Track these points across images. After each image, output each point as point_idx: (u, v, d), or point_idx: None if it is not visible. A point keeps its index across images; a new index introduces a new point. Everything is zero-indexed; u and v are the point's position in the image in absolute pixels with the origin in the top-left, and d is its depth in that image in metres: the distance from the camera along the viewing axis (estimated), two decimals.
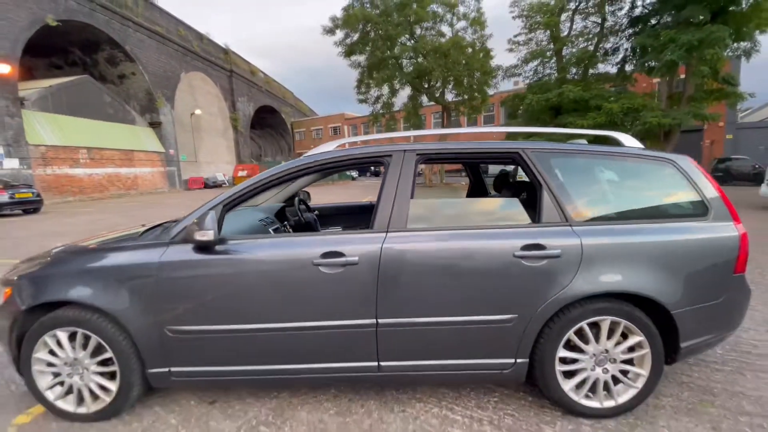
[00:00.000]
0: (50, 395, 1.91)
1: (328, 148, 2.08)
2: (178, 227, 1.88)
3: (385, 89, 21.69)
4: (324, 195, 14.97)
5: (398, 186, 1.89)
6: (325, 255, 1.78)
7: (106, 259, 1.90)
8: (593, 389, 1.85)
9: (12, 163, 14.48)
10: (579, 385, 1.86)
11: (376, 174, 33.74)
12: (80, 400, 1.92)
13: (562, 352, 1.82)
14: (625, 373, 1.85)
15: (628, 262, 1.78)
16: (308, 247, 1.83)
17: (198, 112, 28.73)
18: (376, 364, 1.85)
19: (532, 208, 1.92)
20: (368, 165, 2.14)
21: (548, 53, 19.76)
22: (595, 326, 1.82)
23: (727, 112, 22.70)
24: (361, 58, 21.18)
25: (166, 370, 1.87)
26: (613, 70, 18.28)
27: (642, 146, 2.06)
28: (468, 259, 1.81)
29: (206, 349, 1.86)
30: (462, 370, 1.87)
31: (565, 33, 19.27)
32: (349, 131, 48.10)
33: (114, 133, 20.51)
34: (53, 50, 20.50)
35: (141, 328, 1.82)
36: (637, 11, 16.21)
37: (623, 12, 16.94)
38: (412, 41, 21.08)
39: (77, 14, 17.85)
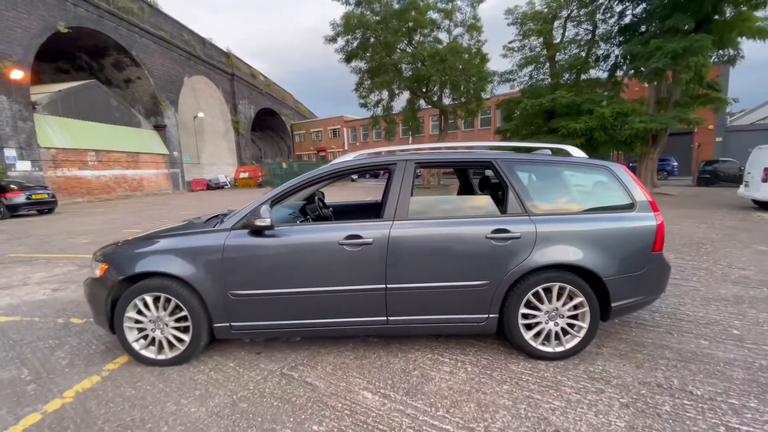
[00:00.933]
0: (136, 346, 2.52)
1: (349, 157, 2.71)
2: (237, 217, 2.49)
3: (385, 93, 22.36)
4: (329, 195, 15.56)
5: (402, 186, 2.52)
6: (348, 237, 2.41)
7: (184, 241, 2.52)
8: (547, 338, 2.47)
9: (24, 166, 15.04)
10: (537, 335, 2.48)
11: (375, 176, 34.29)
12: (160, 349, 2.53)
13: (523, 310, 2.44)
14: (571, 326, 2.47)
15: (570, 243, 2.41)
16: (335, 231, 2.46)
17: (201, 115, 29.31)
18: (385, 318, 2.47)
19: (503, 203, 2.56)
20: (379, 171, 2.74)
21: (541, 59, 20.47)
22: (548, 290, 2.44)
23: (717, 116, 23.42)
24: (361, 63, 21.86)
25: (227, 324, 2.48)
26: (605, 75, 18.97)
27: (586, 156, 2.70)
28: (453, 240, 2.44)
29: (258, 307, 2.47)
30: (450, 323, 2.49)
31: (558, 40, 19.99)
32: (348, 134, 48.73)
33: (120, 136, 21.07)
34: (61, 55, 21.07)
35: (209, 293, 2.43)
36: (627, 20, 16.91)
37: (613, 20, 17.63)
38: (411, 47, 21.78)
39: (86, 21, 18.45)
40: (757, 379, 2.19)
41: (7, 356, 2.72)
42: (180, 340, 2.52)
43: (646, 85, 18.83)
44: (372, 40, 21.19)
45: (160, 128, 24.85)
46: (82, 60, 22.15)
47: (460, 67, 21.73)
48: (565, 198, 2.62)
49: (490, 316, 2.45)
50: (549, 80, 20.71)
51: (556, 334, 2.47)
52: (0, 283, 4.63)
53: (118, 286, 2.49)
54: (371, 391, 2.19)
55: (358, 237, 2.40)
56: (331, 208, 4.05)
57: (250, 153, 40.24)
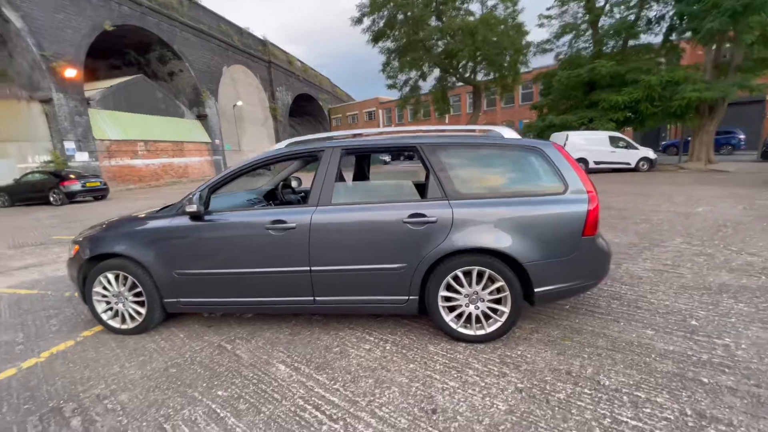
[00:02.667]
0: (104, 317, 2.89)
1: (281, 146, 2.82)
2: (179, 204, 2.73)
3: (413, 73, 21.92)
4: None
5: (326, 173, 2.60)
6: (274, 222, 2.55)
7: (138, 226, 2.80)
8: (468, 321, 2.49)
9: (83, 157, 16.78)
10: (458, 317, 2.50)
11: (410, 158, 33.83)
12: (123, 320, 2.87)
13: (444, 292, 2.46)
14: (493, 309, 2.46)
15: (488, 227, 2.37)
16: (262, 217, 2.61)
17: (240, 103, 30.59)
18: (312, 298, 2.61)
19: (425, 188, 2.55)
20: (307, 159, 2.82)
21: (582, 26, 18.88)
22: (469, 274, 2.44)
23: None
24: (388, 43, 21.50)
25: (176, 300, 2.76)
26: (658, 40, 17.10)
27: (519, 137, 2.59)
28: (372, 224, 2.50)
29: (199, 286, 2.72)
30: (373, 303, 2.57)
31: (602, 2, 18.27)
32: (383, 115, 48.50)
33: (166, 127, 22.68)
34: (112, 53, 22.87)
35: (158, 272, 2.71)
36: None
37: None
38: (439, 22, 20.99)
39: (130, 18, 19.79)
40: (685, 374, 2.07)
41: (13, 323, 3.23)
42: (138, 313, 2.84)
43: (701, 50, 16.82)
44: (400, 17, 20.70)
45: (202, 118, 26.34)
46: (130, 56, 23.88)
47: (494, 39, 20.60)
48: (490, 181, 2.56)
49: (410, 297, 2.50)
50: (591, 49, 19.09)
51: (477, 317, 2.47)
52: (35, 261, 5.37)
53: (87, 264, 2.85)
54: (286, 364, 2.36)
55: (283, 222, 2.54)
56: (302, 194, 4.21)
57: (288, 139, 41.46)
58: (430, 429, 1.75)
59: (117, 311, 2.87)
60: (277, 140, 38.38)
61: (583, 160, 14.97)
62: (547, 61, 23.41)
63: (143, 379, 2.28)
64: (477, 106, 24.13)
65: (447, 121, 42.75)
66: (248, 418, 1.89)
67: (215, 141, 27.33)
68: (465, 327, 2.49)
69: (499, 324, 2.45)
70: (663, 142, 26.00)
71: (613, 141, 15.02)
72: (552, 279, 2.41)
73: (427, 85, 23.28)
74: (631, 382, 2.01)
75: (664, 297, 3.07)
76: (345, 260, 2.52)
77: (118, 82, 20.29)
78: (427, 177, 2.62)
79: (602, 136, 15.14)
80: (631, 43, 17.79)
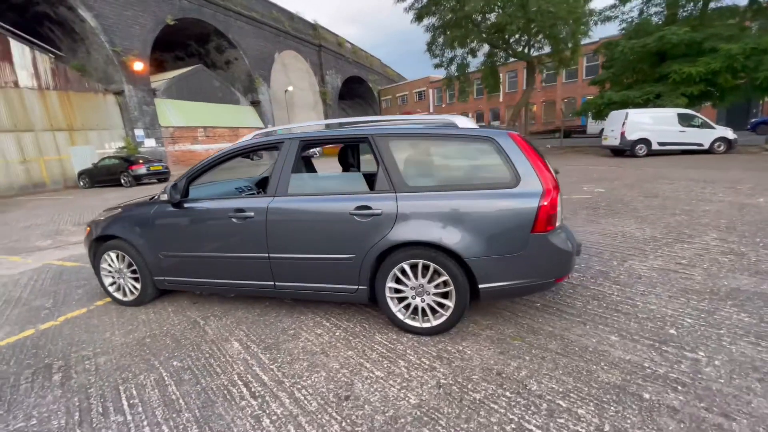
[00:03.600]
0: (110, 289, 3.32)
1: (249, 137, 2.96)
2: (160, 193, 3.01)
3: (459, 50, 20.94)
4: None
5: (284, 164, 2.69)
6: (236, 210, 2.72)
7: (132, 212, 3.15)
8: (415, 312, 2.49)
9: (150, 142, 18.66)
10: (406, 308, 2.51)
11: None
12: (124, 293, 3.28)
13: (391, 284, 2.48)
14: (439, 303, 2.43)
15: (431, 220, 2.32)
16: (226, 205, 2.79)
17: (290, 88, 31.67)
18: (272, 283, 2.77)
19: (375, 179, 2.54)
20: (270, 150, 2.93)
21: None
22: (416, 266, 2.42)
23: None
24: (433, 20, 20.68)
25: (162, 278, 3.09)
26: (744, 1, 14.62)
27: (475, 126, 2.45)
28: (322, 215, 2.56)
29: (179, 266, 3.01)
30: (326, 291, 2.66)
31: None
32: (433, 95, 47.30)
33: (223, 113, 24.29)
34: (176, 45, 24.77)
35: (147, 253, 3.04)
36: None
37: None
38: None
39: (190, 11, 21.19)
40: (627, 387, 1.90)
41: (49, 290, 3.82)
42: (136, 288, 3.22)
43: None
44: None
45: (255, 104, 27.75)
46: (192, 47, 25.67)
47: (550, 10, 18.88)
48: (438, 173, 2.48)
49: (360, 287, 2.55)
50: (664, 14, 16.82)
51: (423, 309, 2.46)
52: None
53: (95, 243, 3.28)
54: (241, 342, 2.56)
55: (243, 210, 2.70)
56: None
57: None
58: (334, 414, 1.83)
59: (119, 285, 3.28)
60: None
61: (644, 141, 13.50)
62: (610, 30, 21.08)
63: (123, 345, 2.62)
64: (530, 82, 22.49)
65: (501, 99, 40.62)
66: (186, 387, 2.11)
67: (267, 126, 28.70)
68: (412, 319, 2.50)
69: (444, 318, 2.42)
70: (753, 120, 22.42)
71: (683, 119, 13.28)
72: (498, 276, 2.31)
73: (476, 62, 22.16)
74: (561, 390, 1.90)
75: (654, 300, 2.78)
76: (299, 249, 2.63)
77: (180, 73, 22.02)
78: (377, 169, 2.60)
79: (669, 113, 13.45)
80: (711, 5, 15.34)
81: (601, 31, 18.82)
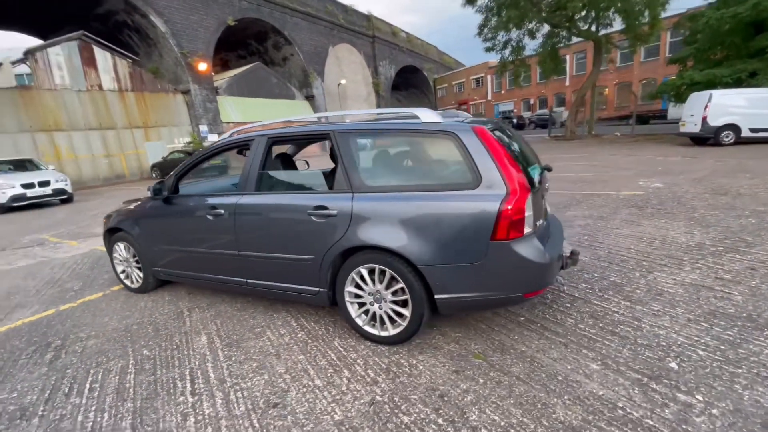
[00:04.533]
0: (122, 276, 3.62)
1: (225, 135, 2.99)
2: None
3: (514, 32, 19.54)
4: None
5: (252, 161, 2.68)
6: (210, 207, 2.78)
7: (131, 206, 3.39)
8: (373, 320, 2.35)
9: (213, 137, 20.18)
10: (366, 314, 2.38)
11: (542, 126, 29.79)
12: (132, 281, 3.56)
13: (350, 288, 2.37)
14: (396, 312, 2.27)
15: (384, 222, 2.16)
16: (203, 203, 2.87)
17: (343, 81, 32.17)
18: (245, 280, 2.80)
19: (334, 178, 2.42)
20: (243, 148, 2.92)
21: None
22: (373, 272, 2.28)
23: None
24: (486, 1, 19.49)
25: (158, 269, 3.29)
26: None
27: (439, 120, 2.21)
28: (284, 214, 2.52)
29: (169, 259, 3.18)
30: (293, 292, 2.62)
31: None
32: (492, 81, 45.09)
33: (278, 109, 25.44)
34: (238, 44, 26.36)
35: (144, 244, 3.26)
36: None
37: None
38: None
39: (248, 12, 22.37)
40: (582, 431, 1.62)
41: (83, 274, 4.29)
42: (140, 277, 3.48)
43: None
44: None
45: (310, 99, 28.64)
46: (252, 46, 27.14)
47: None
48: (397, 172, 2.29)
49: (321, 290, 2.48)
50: None
51: (381, 317, 2.32)
52: None
53: (107, 235, 3.59)
54: (209, 336, 2.64)
55: (215, 208, 2.75)
56: None
57: None
58: (254, 422, 1.79)
59: (128, 273, 3.56)
60: None
61: (732, 127, 11.55)
62: (695, 1, 18.15)
63: (112, 330, 2.84)
64: (596, 63, 20.26)
65: (567, 83, 37.39)
66: (142, 377, 2.22)
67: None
68: (372, 326, 2.37)
69: (401, 328, 2.26)
70: None
71: None
72: (455, 287, 2.09)
73: (534, 44, 20.52)
74: (502, 424, 1.67)
75: (667, 324, 2.34)
76: (264, 247, 2.62)
77: (240, 71, 23.43)
78: (336, 167, 2.48)
79: (766, 94, 11.33)
80: None
81: (687, 1, 16.04)
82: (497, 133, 2.21)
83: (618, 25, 18.47)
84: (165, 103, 18.40)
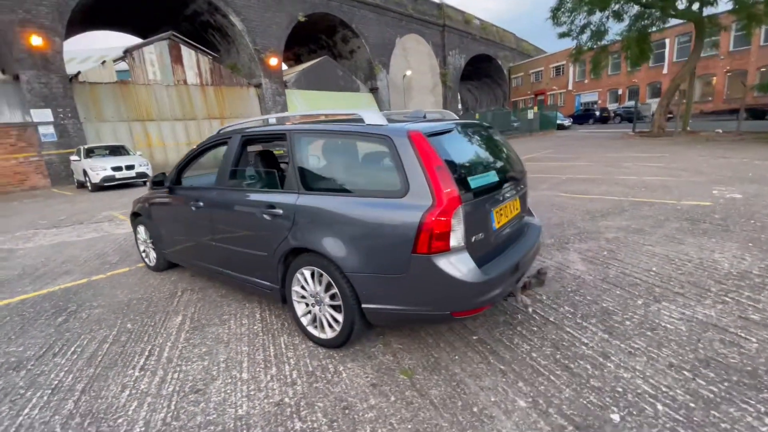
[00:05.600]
0: (142, 255, 4.10)
1: (214, 134, 3.18)
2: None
3: (595, 15, 17.53)
4: None
5: (226, 157, 2.84)
6: (194, 200, 3.02)
7: (147, 194, 3.81)
8: (315, 321, 2.37)
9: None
10: (309, 314, 2.41)
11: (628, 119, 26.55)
12: (149, 260, 4.01)
13: (296, 287, 2.41)
14: (332, 316, 2.26)
15: (320, 225, 2.16)
16: (190, 194, 3.11)
17: (408, 73, 31.96)
18: (221, 269, 3.00)
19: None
20: (222, 146, 3.06)
21: None
22: (314, 274, 2.29)
23: None
24: None
25: (165, 251, 3.67)
26: None
27: (383, 123, 2.10)
28: (245, 209, 2.64)
29: (169, 242, 3.52)
30: (254, 285, 2.75)
31: None
32: (575, 69, 41.26)
33: (342, 101, 26.19)
34: (309, 39, 27.58)
35: (155, 229, 3.66)
36: None
37: None
38: None
39: (318, 6, 23.22)
40: None
41: (126, 250, 4.93)
42: (154, 257, 3.92)
43: None
44: None
45: (374, 91, 29.01)
46: (322, 40, 28.19)
47: None
48: (338, 174, 2.26)
49: (275, 286, 2.56)
50: None
51: (320, 319, 2.33)
52: None
53: (132, 218, 4.09)
54: (184, 318, 2.89)
55: (197, 200, 2.97)
56: None
57: (458, 105, 40.83)
58: (172, 403, 1.94)
59: (147, 253, 4.03)
60: (444, 107, 38.52)
61: None
62: None
63: (117, 303, 3.25)
64: (697, 48, 17.39)
65: (665, 70, 32.71)
66: (113, 348, 2.52)
67: (383, 111, 29.81)
68: (314, 327, 2.40)
69: (335, 333, 2.25)
70: None
71: None
72: (382, 297, 2.01)
73: (618, 27, 18.26)
74: None
75: (638, 366, 2.00)
76: (231, 240, 2.78)
77: (308, 65, 24.53)
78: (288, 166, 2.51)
79: None
80: None
81: None
82: (443, 137, 2.06)
83: (725, 3, 15.59)
84: (239, 96, 20.04)
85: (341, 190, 2.20)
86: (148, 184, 3.46)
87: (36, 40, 12.43)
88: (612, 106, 35.72)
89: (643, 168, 8.64)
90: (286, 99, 21.92)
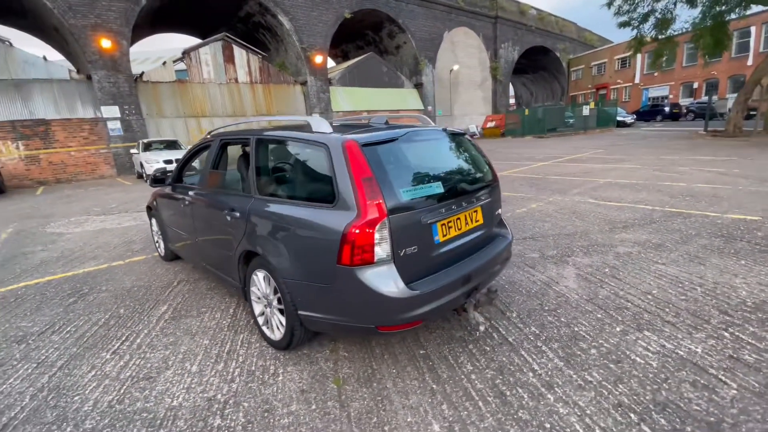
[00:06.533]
0: (156, 245, 4.47)
1: (204, 136, 3.36)
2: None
3: (661, 2, 15.82)
4: None
5: (208, 159, 3.00)
6: (183, 198, 3.23)
7: (156, 190, 4.13)
8: (267, 322, 2.45)
9: None
10: (263, 315, 2.50)
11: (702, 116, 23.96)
12: (161, 250, 4.36)
13: (254, 288, 2.51)
14: (279, 319, 2.32)
15: (263, 230, 2.23)
16: (182, 192, 3.32)
17: (456, 67, 31.18)
18: (204, 264, 3.20)
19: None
20: (204, 150, 3.20)
21: None
22: (266, 276, 2.37)
23: None
24: None
25: (169, 243, 3.97)
26: None
27: (326, 131, 2.10)
28: (215, 209, 2.78)
29: (171, 235, 3.80)
30: (229, 283, 2.89)
31: None
32: (642, 61, 37.69)
33: (385, 97, 26.27)
34: (356, 36, 27.92)
35: (161, 222, 3.97)
36: None
37: None
38: None
39: (364, 3, 23.40)
40: None
41: (147, 239, 5.39)
42: (161, 249, 4.26)
43: None
44: None
45: (418, 86, 28.73)
46: (369, 36, 28.39)
47: None
48: (285, 180, 2.33)
49: (239, 285, 2.68)
50: None
51: (271, 321, 2.40)
52: None
53: (148, 210, 4.46)
54: (168, 308, 3.12)
55: (184, 198, 3.18)
56: None
57: (507, 100, 39.09)
58: (124, 387, 2.12)
59: (159, 243, 4.39)
60: (494, 103, 37.13)
61: None
62: None
63: (122, 289, 3.59)
64: None
65: (750, 61, 28.75)
66: (101, 330, 2.80)
67: (428, 108, 29.41)
68: (267, 327, 2.48)
69: (281, 335, 2.31)
70: None
71: None
72: (313, 305, 2.04)
73: (687, 14, 16.30)
74: None
75: (582, 402, 1.84)
76: (209, 238, 2.94)
77: (354, 62, 24.87)
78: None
79: None
80: None
81: None
82: (384, 147, 2.02)
83: None
84: (286, 94, 20.89)
85: (285, 196, 2.25)
86: (148, 181, 3.76)
87: (105, 43, 13.90)
88: (685, 102, 32.19)
89: (699, 173, 7.72)
90: (329, 96, 22.43)
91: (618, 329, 2.42)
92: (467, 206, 2.25)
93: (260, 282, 2.39)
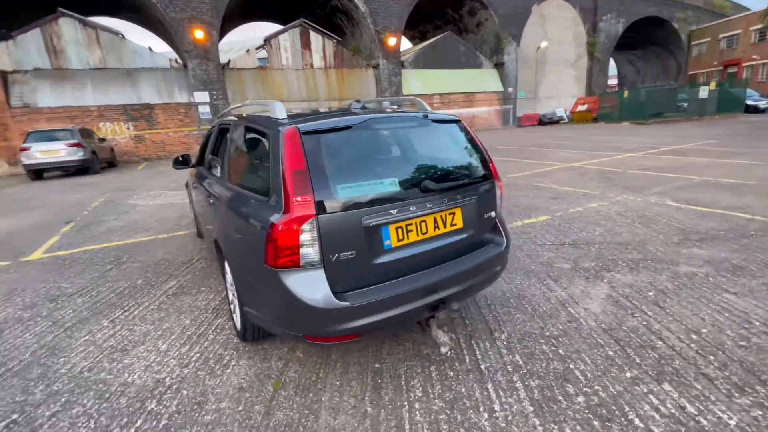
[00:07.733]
0: (194, 221, 4.84)
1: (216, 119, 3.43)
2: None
3: None
4: None
5: (208, 145, 3.06)
6: (198, 180, 3.37)
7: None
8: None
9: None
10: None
11: None
12: (195, 228, 4.71)
13: (227, 275, 2.51)
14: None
15: (221, 220, 2.20)
16: (202, 175, 3.46)
17: (543, 44, 28.31)
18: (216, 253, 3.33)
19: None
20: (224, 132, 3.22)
21: None
22: None
23: None
24: None
25: (199, 223, 4.25)
26: None
27: (279, 118, 1.94)
28: (203, 193, 2.85)
29: (196, 216, 4.04)
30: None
31: None
32: None
33: (461, 79, 25.01)
34: (435, 15, 26.93)
35: (192, 201, 4.25)
36: None
37: None
38: None
39: None
40: None
41: (174, 218, 5.87)
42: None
43: None
44: None
45: (499, 66, 26.81)
46: (448, 15, 27.12)
47: None
48: (247, 167, 2.24)
49: (221, 270, 2.72)
50: None
51: (234, 311, 2.39)
52: None
53: (187, 189, 4.82)
54: (175, 283, 3.34)
55: (198, 180, 3.32)
56: None
57: (605, 80, 34.45)
58: (101, 355, 2.30)
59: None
60: (588, 83, 33.06)
61: None
62: None
63: (151, 261, 3.95)
64: None
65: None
66: (114, 298, 3.10)
67: (508, 89, 27.34)
68: (236, 316, 2.47)
69: (239, 326, 2.28)
70: None
71: None
72: (251, 303, 1.96)
73: None
74: None
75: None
76: (204, 220, 3.05)
77: (429, 43, 24.05)
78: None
79: None
80: None
81: None
82: (333, 135, 1.80)
83: None
84: (358, 78, 21.13)
85: (242, 187, 2.16)
86: (172, 162, 4.03)
87: (198, 34, 15.41)
88: None
89: None
90: (401, 80, 22.11)
91: (628, 375, 1.91)
92: (437, 207, 1.93)
93: (228, 270, 2.38)
